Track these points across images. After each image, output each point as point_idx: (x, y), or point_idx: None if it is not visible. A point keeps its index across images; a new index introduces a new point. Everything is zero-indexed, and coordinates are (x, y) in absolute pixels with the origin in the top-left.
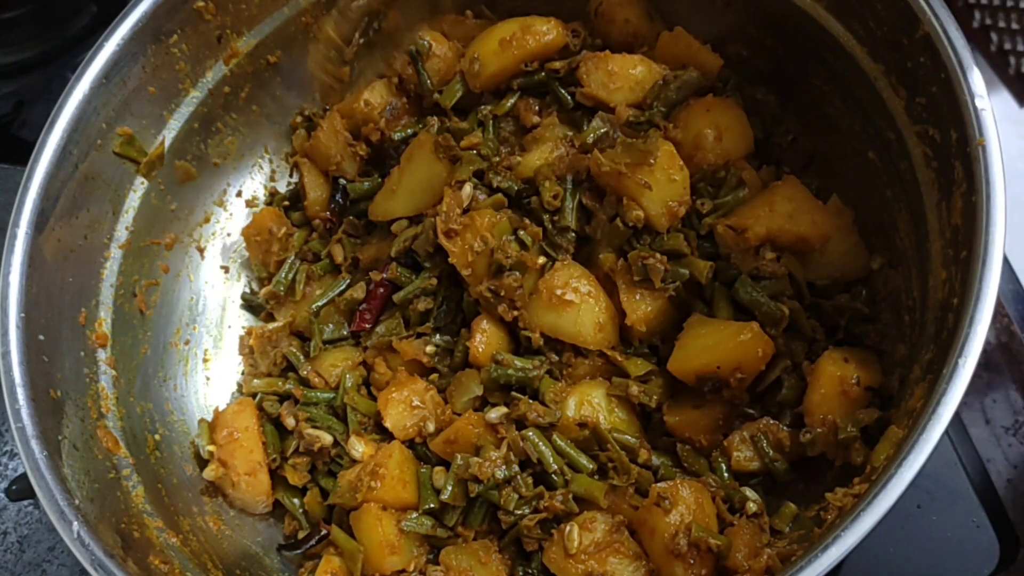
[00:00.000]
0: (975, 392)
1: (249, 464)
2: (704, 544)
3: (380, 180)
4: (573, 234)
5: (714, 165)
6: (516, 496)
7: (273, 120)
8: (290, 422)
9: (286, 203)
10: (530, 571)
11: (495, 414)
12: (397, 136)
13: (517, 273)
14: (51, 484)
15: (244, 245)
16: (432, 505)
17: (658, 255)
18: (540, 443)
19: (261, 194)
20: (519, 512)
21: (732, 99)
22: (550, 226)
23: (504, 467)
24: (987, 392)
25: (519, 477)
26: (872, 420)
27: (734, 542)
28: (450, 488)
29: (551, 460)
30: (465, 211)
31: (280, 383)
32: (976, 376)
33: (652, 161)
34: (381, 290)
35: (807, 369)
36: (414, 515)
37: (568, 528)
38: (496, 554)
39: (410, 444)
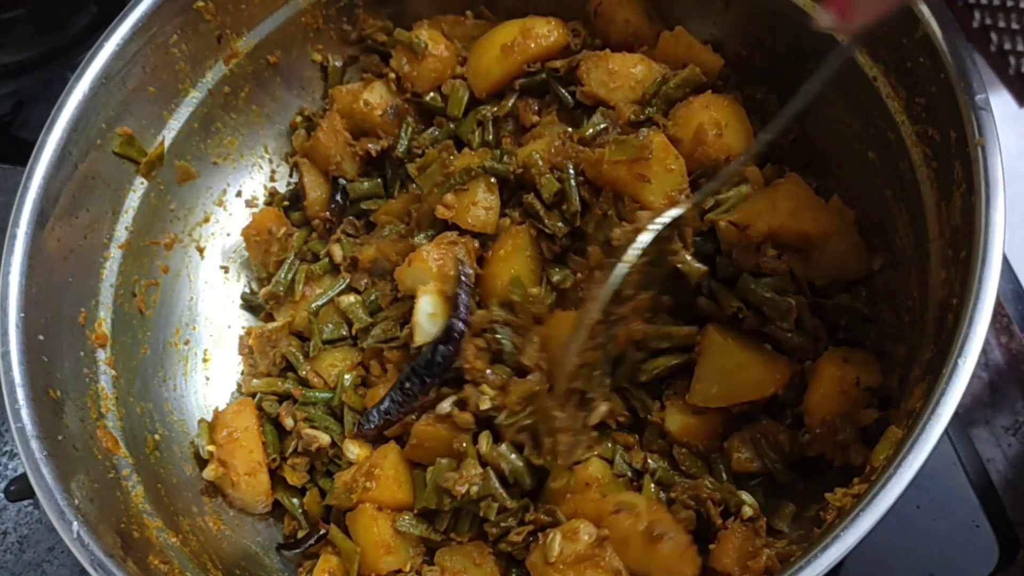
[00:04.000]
0: (975, 392)
1: (249, 464)
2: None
3: (380, 181)
4: (565, 225)
5: (715, 161)
6: (497, 506)
7: (273, 120)
8: (288, 422)
9: (286, 203)
10: (523, 573)
11: (446, 404)
12: (401, 149)
13: None
14: (51, 484)
15: (244, 245)
16: (426, 506)
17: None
18: (515, 457)
19: (261, 194)
20: (505, 525)
21: (731, 95)
22: (551, 217)
23: (480, 483)
24: (987, 392)
25: (497, 493)
26: (871, 421)
27: (723, 546)
28: (433, 495)
29: (527, 478)
30: None
31: (279, 383)
32: (976, 376)
33: (648, 155)
34: None
35: (807, 369)
36: (409, 516)
37: (551, 536)
38: (490, 555)
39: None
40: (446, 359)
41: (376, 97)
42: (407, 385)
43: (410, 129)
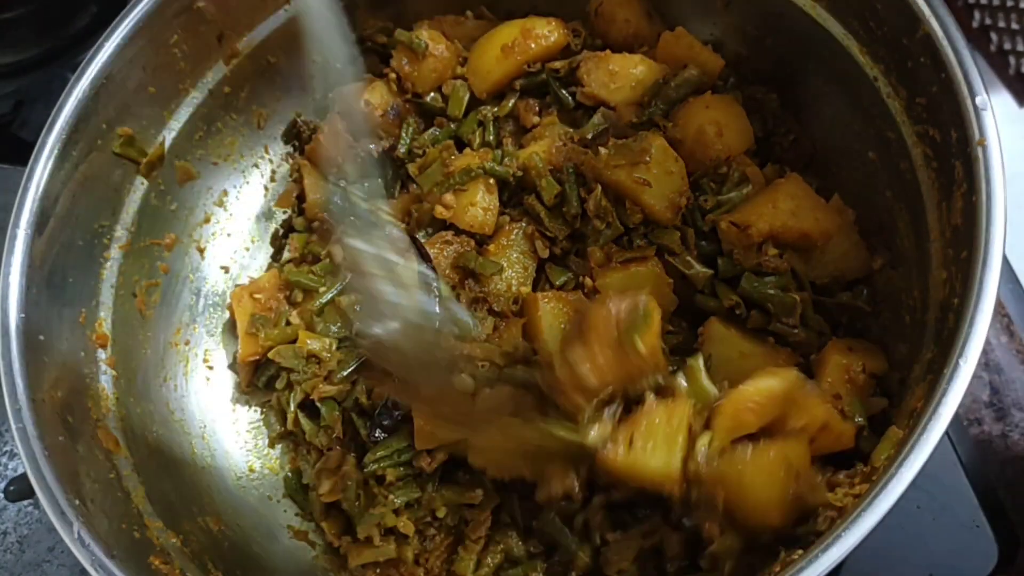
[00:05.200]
0: (975, 392)
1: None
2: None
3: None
4: (567, 227)
5: (716, 161)
6: None
7: (273, 120)
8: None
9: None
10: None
11: None
12: (402, 149)
13: None
14: (51, 484)
15: (244, 245)
16: None
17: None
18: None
19: (261, 194)
20: None
21: (731, 96)
22: (553, 219)
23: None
24: (987, 392)
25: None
26: (879, 409)
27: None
28: None
29: None
30: None
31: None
32: (976, 376)
33: (647, 159)
34: None
35: (813, 361)
36: None
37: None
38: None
39: None
40: None
41: (377, 97)
42: None
43: (411, 129)
